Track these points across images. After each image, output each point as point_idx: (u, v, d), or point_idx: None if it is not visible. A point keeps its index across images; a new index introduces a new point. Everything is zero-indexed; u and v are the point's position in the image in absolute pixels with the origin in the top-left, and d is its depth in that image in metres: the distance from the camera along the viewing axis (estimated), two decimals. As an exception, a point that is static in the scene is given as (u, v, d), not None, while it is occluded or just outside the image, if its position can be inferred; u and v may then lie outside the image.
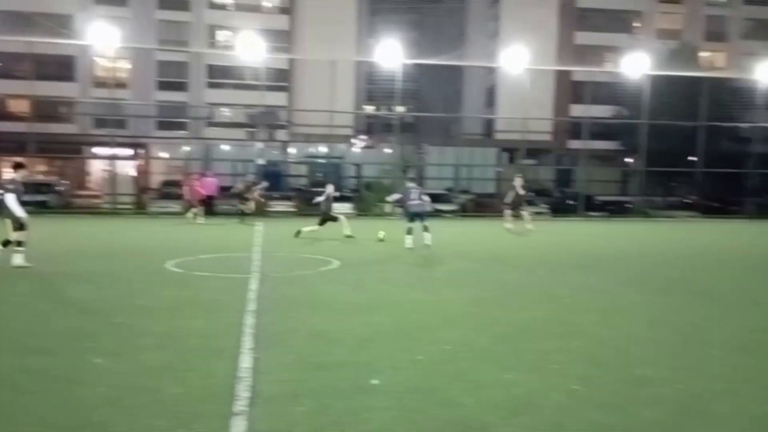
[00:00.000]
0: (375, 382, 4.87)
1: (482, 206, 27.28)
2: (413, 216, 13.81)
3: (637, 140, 28.91)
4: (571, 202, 28.99)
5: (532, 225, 18.17)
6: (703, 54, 41.64)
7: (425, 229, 13.58)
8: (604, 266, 12.07)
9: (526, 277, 10.49)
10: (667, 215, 28.04)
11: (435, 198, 28.24)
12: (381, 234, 14.98)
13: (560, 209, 28.19)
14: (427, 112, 36.73)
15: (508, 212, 18.62)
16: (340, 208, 22.07)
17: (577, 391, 4.72)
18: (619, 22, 42.76)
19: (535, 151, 35.25)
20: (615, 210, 28.77)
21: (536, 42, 32.14)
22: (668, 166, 29.36)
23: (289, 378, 4.88)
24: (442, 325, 6.86)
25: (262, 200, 23.04)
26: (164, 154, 35.53)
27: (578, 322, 7.07)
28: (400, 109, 37.27)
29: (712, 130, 28.44)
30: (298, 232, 15.48)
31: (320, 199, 15.76)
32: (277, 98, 37.33)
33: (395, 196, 15.79)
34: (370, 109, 48.72)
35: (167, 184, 28.11)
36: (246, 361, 5.24)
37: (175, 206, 23.86)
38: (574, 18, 43.02)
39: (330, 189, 15.83)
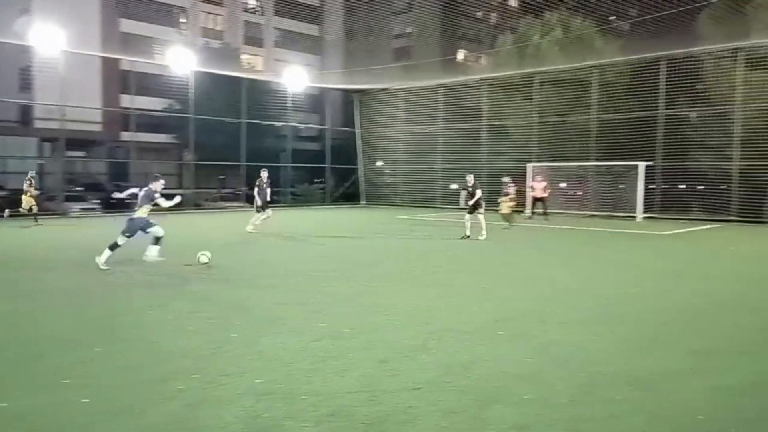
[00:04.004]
0: None
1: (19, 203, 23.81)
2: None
3: (188, 134, 29.73)
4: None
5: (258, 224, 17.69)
6: (243, 56, 45.61)
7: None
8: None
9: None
10: (221, 207, 29.87)
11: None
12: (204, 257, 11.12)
13: (116, 204, 26.92)
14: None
15: (258, 213, 17.85)
16: None
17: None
18: (166, 15, 43.06)
19: (83, 142, 32.58)
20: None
21: (76, 24, 29.50)
22: (220, 160, 31.14)
23: None
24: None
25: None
26: None
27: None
28: None
29: (253, 127, 31.35)
30: None
31: None
32: None
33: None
34: None
35: None
36: None
37: None
38: (118, 4, 41.27)
39: None
